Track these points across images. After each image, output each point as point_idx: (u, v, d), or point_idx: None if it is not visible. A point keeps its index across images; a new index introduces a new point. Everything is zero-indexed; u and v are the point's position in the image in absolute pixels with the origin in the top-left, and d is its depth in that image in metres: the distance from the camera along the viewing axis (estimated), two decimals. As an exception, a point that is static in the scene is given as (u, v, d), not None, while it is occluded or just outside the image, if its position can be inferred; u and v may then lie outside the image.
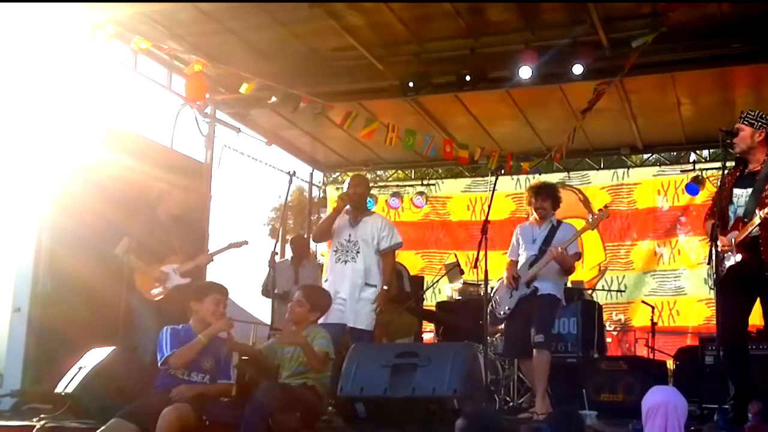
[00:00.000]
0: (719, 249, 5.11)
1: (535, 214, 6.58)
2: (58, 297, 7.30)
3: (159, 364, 5.13)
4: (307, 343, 5.25)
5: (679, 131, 10.64)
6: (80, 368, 5.84)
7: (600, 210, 6.91)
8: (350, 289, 6.41)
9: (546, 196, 6.58)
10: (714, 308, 5.27)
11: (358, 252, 6.51)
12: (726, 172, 5.38)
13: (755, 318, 5.36)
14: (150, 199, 7.12)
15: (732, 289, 5.13)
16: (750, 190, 5.13)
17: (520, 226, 6.77)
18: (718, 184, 5.39)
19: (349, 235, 6.57)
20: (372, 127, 9.28)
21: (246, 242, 7.28)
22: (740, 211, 5.14)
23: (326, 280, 6.66)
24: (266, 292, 6.67)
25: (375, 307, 6.45)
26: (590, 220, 6.94)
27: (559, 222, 6.59)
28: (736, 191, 5.22)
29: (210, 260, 7.46)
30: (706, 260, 5.30)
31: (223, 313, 5.39)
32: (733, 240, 5.08)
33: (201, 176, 9.75)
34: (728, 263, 5.11)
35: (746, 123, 5.22)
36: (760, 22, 7.71)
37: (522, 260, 6.49)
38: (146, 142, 8.91)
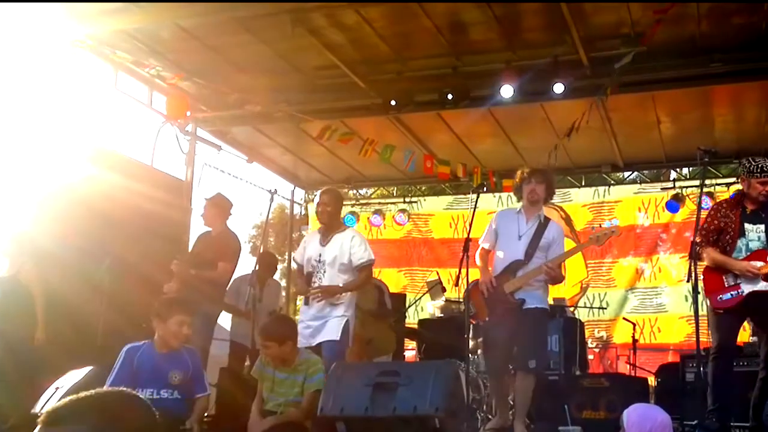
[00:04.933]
0: (750, 271, 5.39)
1: (525, 199, 6.07)
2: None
3: None
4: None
5: (659, 149, 10.71)
6: (57, 388, 5.77)
7: (609, 227, 6.18)
8: (316, 312, 6.20)
9: (542, 178, 6.06)
10: (694, 324, 5.37)
11: (324, 272, 6.28)
12: (726, 205, 5.71)
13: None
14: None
15: (740, 313, 5.52)
16: (762, 225, 5.51)
17: (502, 213, 6.28)
18: (697, 203, 5.71)
19: (319, 255, 6.36)
20: (349, 136, 9.28)
21: None
22: (753, 245, 5.49)
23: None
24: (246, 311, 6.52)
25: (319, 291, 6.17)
26: (595, 236, 6.07)
27: (547, 219, 6.15)
28: (747, 226, 5.56)
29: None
30: (686, 278, 5.44)
31: (187, 335, 5.11)
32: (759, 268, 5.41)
33: (181, 194, 9.68)
34: (751, 288, 5.39)
35: None
36: (739, 42, 7.81)
37: (501, 258, 5.96)
38: (126, 160, 8.86)
